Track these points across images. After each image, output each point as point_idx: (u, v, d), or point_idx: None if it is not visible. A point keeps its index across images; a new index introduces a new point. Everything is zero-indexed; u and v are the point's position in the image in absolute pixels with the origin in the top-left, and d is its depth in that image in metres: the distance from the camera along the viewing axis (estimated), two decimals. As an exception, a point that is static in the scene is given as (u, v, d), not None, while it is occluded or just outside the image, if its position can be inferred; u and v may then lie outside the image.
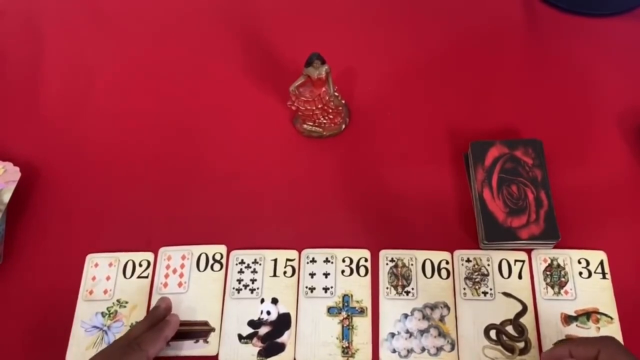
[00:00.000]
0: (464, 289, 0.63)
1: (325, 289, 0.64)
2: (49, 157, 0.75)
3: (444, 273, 0.64)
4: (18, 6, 0.89)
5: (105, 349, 0.57)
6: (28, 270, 0.67)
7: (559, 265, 0.64)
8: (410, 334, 0.61)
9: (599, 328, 0.61)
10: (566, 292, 0.63)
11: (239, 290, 0.65)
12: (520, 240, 0.63)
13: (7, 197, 0.67)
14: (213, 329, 0.63)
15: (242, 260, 0.66)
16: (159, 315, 0.61)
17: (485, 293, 0.63)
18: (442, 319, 0.62)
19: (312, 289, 0.64)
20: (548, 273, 0.64)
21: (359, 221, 0.68)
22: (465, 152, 0.70)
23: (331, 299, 0.64)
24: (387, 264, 0.65)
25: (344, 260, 0.65)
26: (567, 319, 0.61)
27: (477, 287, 0.63)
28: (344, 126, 0.74)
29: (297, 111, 0.71)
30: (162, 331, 0.58)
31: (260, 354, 0.61)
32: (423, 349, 0.61)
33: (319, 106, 0.69)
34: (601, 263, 0.64)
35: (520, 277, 0.64)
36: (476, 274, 0.64)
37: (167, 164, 0.73)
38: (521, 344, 0.60)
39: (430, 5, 0.84)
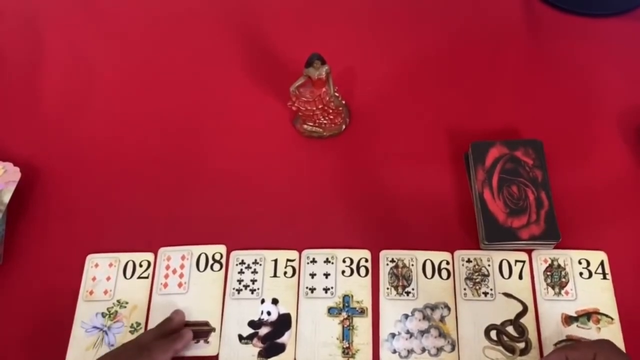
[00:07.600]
0: (465, 289, 0.63)
1: (326, 290, 0.64)
2: (49, 157, 0.75)
3: (444, 273, 0.64)
4: (17, 6, 0.89)
5: (114, 350, 0.57)
6: (28, 271, 0.67)
7: (559, 265, 0.64)
8: (410, 334, 0.61)
9: (599, 328, 0.61)
10: (567, 293, 0.63)
11: (239, 290, 0.65)
12: (521, 241, 0.63)
13: (7, 198, 0.67)
14: (214, 329, 0.63)
15: (243, 260, 0.66)
16: (170, 327, 0.61)
17: (485, 293, 0.63)
18: (442, 319, 0.62)
19: (312, 290, 0.64)
20: (548, 273, 0.64)
21: (359, 221, 0.68)
22: (465, 152, 0.70)
23: (331, 300, 0.64)
24: (387, 264, 0.65)
25: (344, 261, 0.65)
26: (568, 320, 0.61)
27: (477, 287, 0.63)
28: (344, 126, 0.74)
29: (297, 112, 0.71)
30: (174, 343, 0.58)
31: (260, 354, 0.61)
32: (423, 350, 0.61)
33: (319, 106, 0.69)
34: (601, 263, 0.64)
35: (520, 277, 0.64)
36: (477, 274, 0.64)
37: (167, 164, 0.73)
38: (522, 345, 0.60)
39: (430, 6, 0.84)
